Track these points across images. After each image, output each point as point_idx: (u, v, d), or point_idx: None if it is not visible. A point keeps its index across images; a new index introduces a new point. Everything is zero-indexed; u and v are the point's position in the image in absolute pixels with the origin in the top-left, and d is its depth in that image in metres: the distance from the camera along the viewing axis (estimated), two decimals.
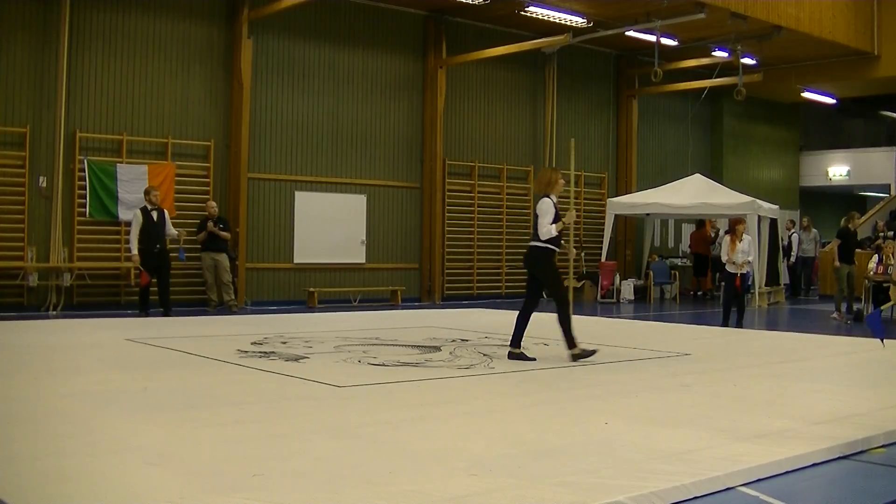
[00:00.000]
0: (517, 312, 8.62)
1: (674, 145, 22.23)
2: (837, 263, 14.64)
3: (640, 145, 21.05)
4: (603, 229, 19.04)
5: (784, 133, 25.56)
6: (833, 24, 18.89)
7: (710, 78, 19.44)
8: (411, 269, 17.46)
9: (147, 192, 13.03)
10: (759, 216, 17.48)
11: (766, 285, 18.14)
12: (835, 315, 14.70)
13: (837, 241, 14.90)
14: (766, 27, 17.45)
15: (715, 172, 21.96)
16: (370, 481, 3.95)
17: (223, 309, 14.13)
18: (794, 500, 4.01)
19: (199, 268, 14.44)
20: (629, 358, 8.75)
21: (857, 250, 20.35)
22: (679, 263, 21.04)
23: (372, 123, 16.85)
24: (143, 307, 12.86)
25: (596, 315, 15.29)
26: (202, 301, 14.39)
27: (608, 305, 17.76)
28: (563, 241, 8.63)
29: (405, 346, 9.31)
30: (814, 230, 21.95)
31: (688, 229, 21.67)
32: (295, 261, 15.88)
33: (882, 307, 3.98)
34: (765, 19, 17.17)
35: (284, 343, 9.34)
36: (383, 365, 7.86)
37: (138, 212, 12.89)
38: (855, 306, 14.93)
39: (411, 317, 13.64)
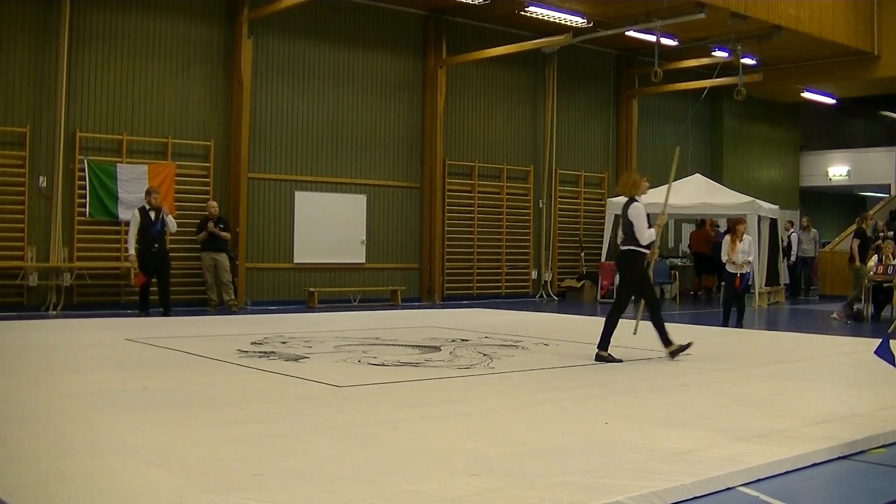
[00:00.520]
0: (605, 316, 8.63)
1: (674, 145, 22.14)
2: (858, 264, 14.65)
3: (640, 145, 21.05)
4: (603, 229, 19.04)
5: (784, 133, 25.56)
6: (833, 24, 18.89)
7: (710, 78, 19.43)
8: (411, 269, 17.46)
9: (148, 193, 13.04)
10: (759, 216, 17.48)
11: (766, 285, 18.13)
12: (835, 315, 14.70)
13: (857, 241, 14.95)
14: (766, 27, 17.45)
15: (715, 172, 21.97)
16: (370, 481, 3.94)
17: (223, 309, 14.14)
18: (794, 500, 4.00)
19: (199, 268, 14.45)
20: (629, 358, 8.74)
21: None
22: (679, 263, 21.04)
23: (372, 123, 16.85)
24: (143, 307, 12.86)
25: (596, 315, 15.28)
26: (202, 301, 14.39)
27: (608, 305, 17.66)
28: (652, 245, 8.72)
29: (405, 346, 9.31)
30: (813, 230, 21.95)
31: (688, 229, 21.67)
32: (295, 261, 15.89)
33: (889, 331, 3.99)
34: (765, 19, 17.17)
35: (284, 343, 9.34)
36: (383, 365, 7.86)
37: (136, 212, 12.89)
38: (855, 306, 14.94)
39: (411, 317, 13.64)
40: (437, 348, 9.13)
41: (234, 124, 15.01)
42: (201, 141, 14.87)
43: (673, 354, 8.36)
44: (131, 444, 4.66)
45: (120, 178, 13.96)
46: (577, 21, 16.39)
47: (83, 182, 13.71)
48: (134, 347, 8.98)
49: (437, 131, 17.33)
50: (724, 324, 12.58)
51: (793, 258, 21.43)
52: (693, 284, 20.85)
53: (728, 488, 4.10)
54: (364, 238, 16.74)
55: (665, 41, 17.59)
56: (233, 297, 14.31)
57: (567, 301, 18.72)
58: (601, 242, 19.04)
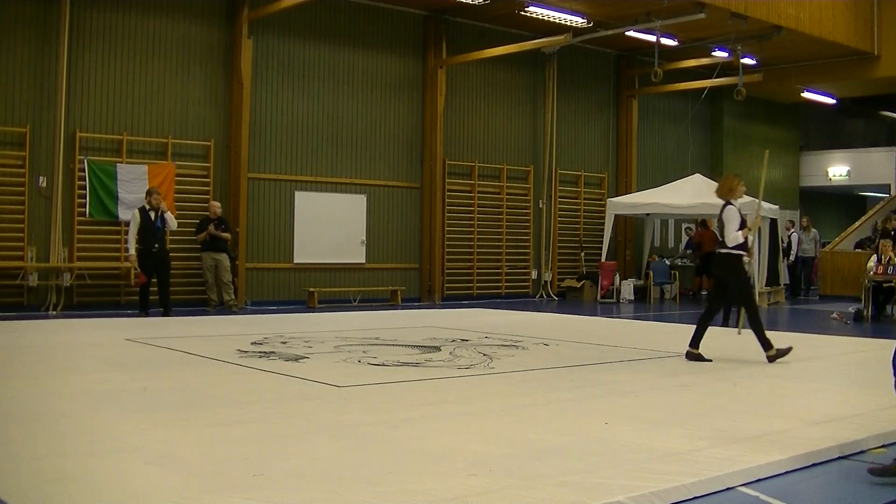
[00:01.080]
0: (700, 315, 8.69)
1: (674, 145, 22.23)
2: None
3: (640, 145, 21.05)
4: (603, 229, 19.04)
5: (784, 133, 25.56)
6: (833, 24, 18.89)
7: (710, 78, 19.44)
8: (411, 269, 17.46)
9: (149, 193, 13.04)
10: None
11: (766, 285, 18.13)
12: (835, 315, 14.71)
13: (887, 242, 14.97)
14: (766, 27, 17.45)
15: (715, 172, 21.93)
16: (370, 481, 3.95)
17: (223, 309, 14.14)
18: (794, 500, 4.00)
19: (200, 268, 14.45)
20: (629, 358, 8.75)
21: (857, 250, 20.44)
22: (679, 263, 21.04)
23: (372, 123, 16.85)
24: (143, 307, 12.87)
25: (596, 315, 15.30)
26: (202, 301, 14.39)
27: (608, 305, 17.76)
28: (748, 247, 8.76)
29: (405, 346, 9.31)
30: (813, 230, 21.95)
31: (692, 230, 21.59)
32: (295, 261, 15.89)
33: None
34: (765, 19, 17.17)
35: (284, 343, 9.34)
36: (383, 365, 7.86)
37: (136, 212, 12.90)
38: (855, 306, 14.94)
39: (411, 317, 13.64)
40: (437, 348, 9.13)
41: (234, 124, 15.01)
42: (201, 141, 14.87)
43: (772, 359, 8.37)
44: (131, 444, 4.66)
45: (120, 178, 13.96)
46: (577, 21, 16.39)
47: (83, 182, 13.71)
48: (134, 347, 8.98)
49: (437, 131, 17.33)
50: (725, 324, 12.59)
51: (792, 258, 21.42)
52: (694, 285, 20.84)
53: (728, 488, 4.10)
54: (364, 238, 16.74)
55: (665, 41, 17.59)
56: (233, 297, 14.31)
57: (567, 301, 18.72)
58: (601, 242, 19.04)
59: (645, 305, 18.05)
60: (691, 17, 15.96)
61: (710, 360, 8.31)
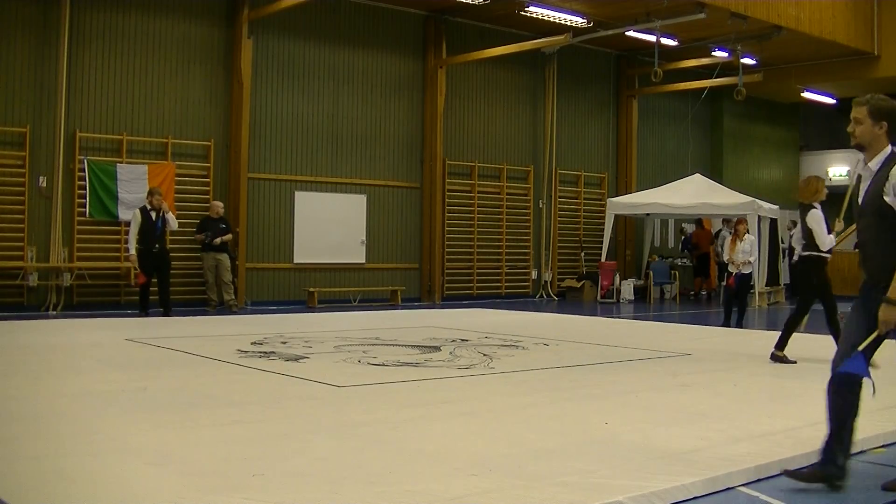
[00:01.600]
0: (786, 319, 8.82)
1: (674, 145, 22.23)
2: None
3: (640, 145, 21.05)
4: (603, 229, 19.04)
5: (784, 133, 25.56)
6: (833, 24, 18.89)
7: (710, 78, 19.44)
8: (411, 269, 17.46)
9: (150, 194, 13.04)
10: (759, 216, 17.47)
11: (766, 285, 18.13)
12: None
13: None
14: (766, 27, 17.45)
15: (715, 172, 21.97)
16: (370, 481, 3.95)
17: (223, 309, 14.13)
18: (794, 500, 4.01)
19: (200, 268, 14.45)
20: (629, 358, 8.75)
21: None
22: (679, 263, 21.04)
23: (372, 123, 16.85)
24: (143, 307, 12.86)
25: (596, 315, 15.30)
26: (202, 301, 14.39)
27: (608, 305, 17.76)
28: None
29: (405, 346, 9.31)
30: None
31: (688, 229, 21.62)
32: (295, 261, 15.89)
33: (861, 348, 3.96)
34: (765, 19, 17.17)
35: (284, 343, 9.34)
36: (383, 365, 7.86)
37: (137, 211, 12.90)
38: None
39: (411, 317, 13.65)
40: (437, 348, 9.13)
41: (234, 124, 15.01)
42: (201, 141, 14.87)
43: (774, 359, 8.47)
44: (131, 444, 4.66)
45: (120, 178, 13.96)
46: (577, 21, 16.39)
47: (83, 182, 13.71)
48: (134, 347, 8.98)
49: (437, 131, 17.33)
50: (726, 324, 12.59)
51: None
52: (696, 286, 20.83)
53: (728, 488, 4.10)
54: (364, 238, 16.74)
55: (665, 41, 17.59)
56: (233, 297, 14.30)
57: (567, 301, 18.72)
58: (601, 242, 19.04)
59: (645, 305, 18.05)
60: (691, 17, 15.96)
61: (795, 362, 8.37)
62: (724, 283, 14.07)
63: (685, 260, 21.30)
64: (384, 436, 4.96)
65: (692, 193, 18.34)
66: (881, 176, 4.14)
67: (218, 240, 14.10)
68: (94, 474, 4.05)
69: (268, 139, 15.56)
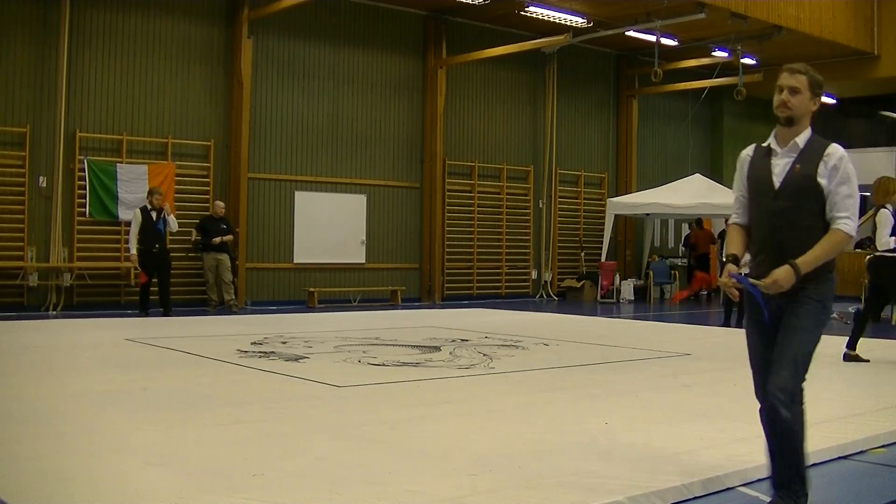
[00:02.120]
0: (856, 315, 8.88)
1: (674, 145, 22.23)
2: None
3: (640, 145, 21.04)
4: (603, 229, 19.04)
5: None
6: (833, 24, 18.89)
7: (710, 78, 19.44)
8: (411, 269, 17.46)
9: (150, 193, 13.05)
10: None
11: None
12: (835, 315, 14.71)
13: None
14: (766, 27, 17.45)
15: (715, 172, 21.95)
16: (370, 481, 3.95)
17: (223, 309, 14.13)
18: None
19: (200, 268, 14.45)
20: (629, 358, 8.75)
21: (857, 250, 20.42)
22: (679, 263, 21.03)
23: (372, 123, 16.85)
24: (143, 307, 12.87)
25: (596, 315, 15.30)
26: (202, 301, 14.39)
27: (608, 305, 17.76)
28: None
29: (405, 346, 9.31)
30: None
31: (688, 230, 21.60)
32: (295, 261, 15.89)
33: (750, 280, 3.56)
34: (765, 19, 17.17)
35: (284, 343, 9.34)
36: (383, 365, 7.86)
37: (138, 211, 12.91)
38: (855, 306, 14.92)
39: (411, 317, 13.65)
40: (437, 348, 9.13)
41: (234, 124, 15.01)
42: (201, 141, 14.87)
43: (847, 358, 8.54)
44: (131, 444, 4.66)
45: (120, 178, 13.96)
46: (577, 21, 16.39)
47: (83, 182, 13.71)
48: (134, 347, 8.98)
49: (437, 131, 17.33)
50: (726, 324, 12.59)
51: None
52: (694, 285, 20.81)
53: (728, 488, 4.10)
54: (364, 238, 16.74)
55: (665, 41, 17.59)
56: (233, 297, 14.30)
57: (567, 301, 18.72)
58: (601, 242, 19.04)
59: (645, 305, 18.05)
60: (691, 17, 15.96)
61: (868, 361, 8.41)
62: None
63: (685, 260, 21.28)
64: (384, 436, 4.96)
65: (692, 193, 18.33)
66: (813, 155, 3.72)
67: (217, 239, 14.09)
68: (94, 474, 4.05)
69: (268, 139, 15.56)
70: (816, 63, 22.16)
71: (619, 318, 15.10)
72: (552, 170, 19.38)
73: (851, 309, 14.93)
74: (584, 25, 16.56)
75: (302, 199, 15.96)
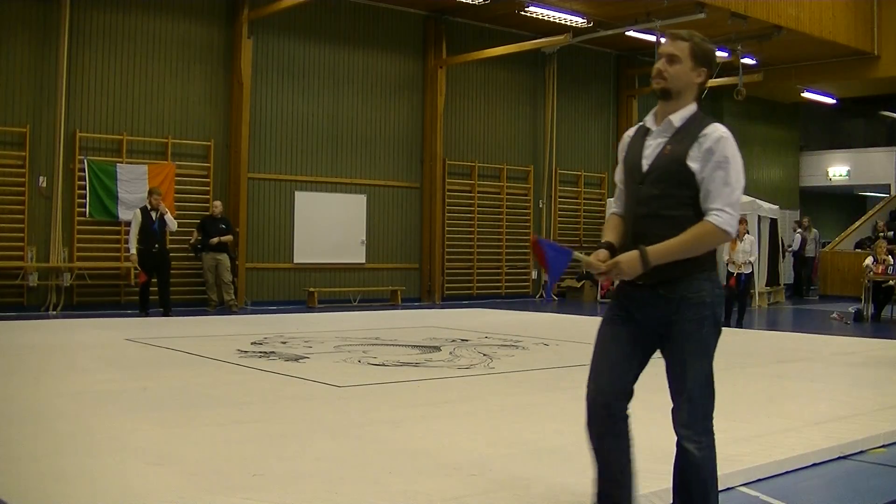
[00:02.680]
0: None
1: None
2: None
3: None
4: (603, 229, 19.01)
5: (784, 133, 25.56)
6: (833, 24, 18.89)
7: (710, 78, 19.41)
8: (411, 269, 17.45)
9: (150, 193, 13.04)
10: (759, 216, 17.48)
11: (766, 285, 18.14)
12: (835, 315, 14.72)
13: None
14: (766, 27, 17.45)
15: None
16: (370, 481, 3.94)
17: (223, 309, 14.13)
18: (794, 500, 4.00)
19: (200, 268, 14.44)
20: None
21: (857, 250, 20.44)
22: None
23: (372, 123, 16.85)
24: (143, 307, 12.86)
25: (596, 315, 15.29)
26: (202, 301, 14.38)
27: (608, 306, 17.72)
28: None
29: (405, 346, 9.31)
30: (814, 230, 21.95)
31: None
32: (295, 261, 15.88)
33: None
34: (765, 19, 17.17)
35: (284, 343, 9.34)
36: (383, 365, 7.86)
37: (138, 211, 12.91)
38: (854, 306, 14.94)
39: (411, 317, 13.64)
40: (437, 348, 9.13)
41: (234, 124, 15.01)
42: (201, 141, 14.87)
43: None
44: (131, 443, 4.66)
45: (120, 178, 13.96)
46: (577, 21, 16.39)
47: (83, 182, 13.70)
48: (134, 347, 8.98)
49: (437, 131, 17.33)
50: (726, 323, 12.59)
51: (806, 255, 21.33)
52: None
53: (728, 488, 4.09)
54: (364, 238, 16.73)
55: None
56: (233, 297, 14.30)
57: (567, 301, 18.72)
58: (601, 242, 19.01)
59: None
60: (691, 17, 15.95)
61: None
62: (724, 284, 14.07)
63: None
64: (384, 436, 4.96)
65: None
66: (687, 135, 3.19)
67: (215, 240, 14.08)
68: (94, 474, 4.05)
69: (268, 139, 15.56)
70: (816, 63, 22.32)
71: None
72: (552, 170, 19.38)
73: (851, 309, 14.95)
74: (584, 25, 16.56)
75: (302, 199, 15.96)
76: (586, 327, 12.55)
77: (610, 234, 3.37)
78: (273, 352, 8.58)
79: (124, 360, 8.10)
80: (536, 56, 18.84)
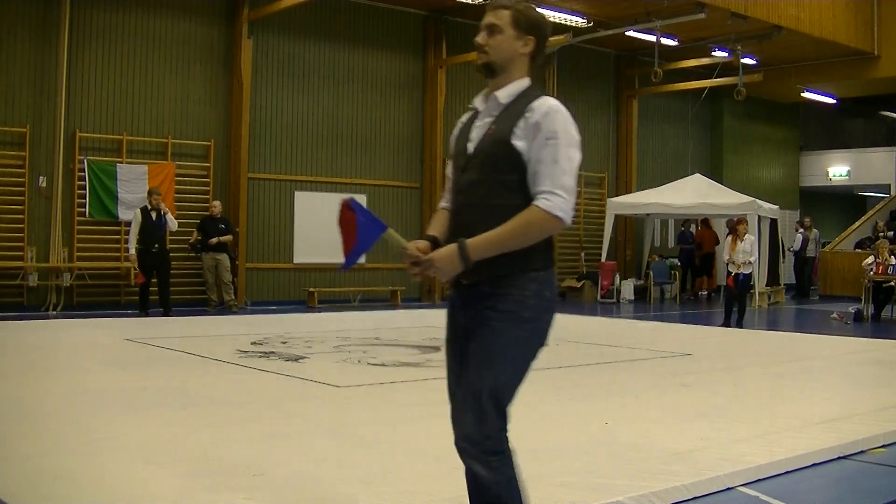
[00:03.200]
0: None
1: (674, 145, 22.22)
2: None
3: (640, 145, 21.03)
4: (603, 229, 19.03)
5: (784, 133, 25.56)
6: (833, 24, 18.89)
7: (710, 78, 19.43)
8: None
9: (150, 193, 13.04)
10: (759, 216, 17.48)
11: (766, 285, 18.14)
12: (835, 315, 14.72)
13: None
14: (766, 27, 17.45)
15: (715, 172, 21.96)
16: (370, 481, 3.94)
17: (223, 309, 14.13)
18: (794, 500, 4.00)
19: (200, 268, 14.44)
20: (629, 358, 8.75)
21: (858, 250, 20.45)
22: (679, 263, 21.02)
23: (372, 123, 16.85)
24: (143, 307, 12.86)
25: (596, 315, 15.29)
26: (202, 301, 14.38)
27: (608, 305, 17.75)
28: None
29: (405, 346, 9.31)
30: (814, 230, 21.97)
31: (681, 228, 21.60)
32: (295, 261, 15.88)
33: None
34: (765, 19, 17.17)
35: (284, 343, 9.34)
36: (383, 365, 7.86)
37: (138, 211, 12.90)
38: (854, 306, 14.94)
39: (411, 317, 13.64)
40: (437, 348, 9.12)
41: (234, 124, 15.01)
42: (201, 141, 14.87)
43: None
44: (131, 443, 4.66)
45: (120, 178, 13.95)
46: (577, 21, 16.39)
47: (83, 182, 13.70)
48: (134, 347, 8.98)
49: (437, 131, 17.33)
50: (726, 324, 12.59)
51: (807, 255, 21.34)
52: (697, 286, 20.82)
53: (728, 488, 4.10)
54: None
55: (665, 41, 17.58)
56: (233, 297, 14.29)
57: (567, 301, 18.71)
58: (601, 242, 19.02)
59: (645, 305, 18.05)
60: (691, 17, 15.96)
61: None
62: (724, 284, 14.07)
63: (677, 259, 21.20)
64: (384, 436, 4.96)
65: (692, 193, 18.33)
66: (513, 112, 2.78)
67: (214, 240, 14.08)
68: (94, 474, 4.05)
69: (268, 139, 15.56)
70: (816, 63, 22.35)
71: (619, 318, 15.10)
72: None
73: (852, 309, 14.94)
74: (584, 25, 16.55)
75: (302, 199, 15.95)
76: (586, 327, 12.58)
77: (434, 228, 3.04)
78: (273, 352, 8.58)
79: (124, 360, 8.10)
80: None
